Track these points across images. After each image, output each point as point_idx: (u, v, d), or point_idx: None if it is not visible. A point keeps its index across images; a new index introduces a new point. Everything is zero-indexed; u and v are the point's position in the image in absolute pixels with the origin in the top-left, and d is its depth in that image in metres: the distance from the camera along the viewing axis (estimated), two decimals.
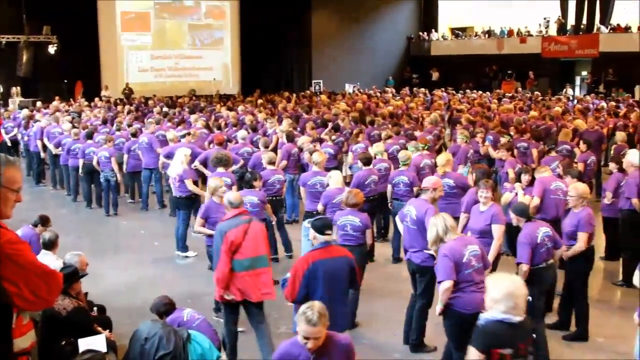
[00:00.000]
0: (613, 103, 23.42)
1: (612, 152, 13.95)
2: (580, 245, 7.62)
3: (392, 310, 8.78)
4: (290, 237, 11.04)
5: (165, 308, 6.77)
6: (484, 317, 4.65)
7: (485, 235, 7.63)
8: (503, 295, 4.56)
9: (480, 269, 6.20)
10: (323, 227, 6.14)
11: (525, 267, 6.92)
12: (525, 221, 7.16)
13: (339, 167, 13.41)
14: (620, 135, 14.18)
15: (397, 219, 8.41)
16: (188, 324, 6.76)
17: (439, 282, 6.16)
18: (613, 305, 9.09)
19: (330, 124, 16.52)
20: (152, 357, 6.27)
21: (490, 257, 7.50)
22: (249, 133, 15.30)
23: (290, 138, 13.33)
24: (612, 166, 10.72)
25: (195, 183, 11.31)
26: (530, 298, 6.99)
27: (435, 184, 7.69)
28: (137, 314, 8.50)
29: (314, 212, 9.66)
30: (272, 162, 10.74)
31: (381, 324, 8.56)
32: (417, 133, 15.15)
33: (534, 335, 6.88)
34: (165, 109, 21.62)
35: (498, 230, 7.65)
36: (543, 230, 7.10)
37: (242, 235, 6.92)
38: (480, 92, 29.36)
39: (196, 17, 34.23)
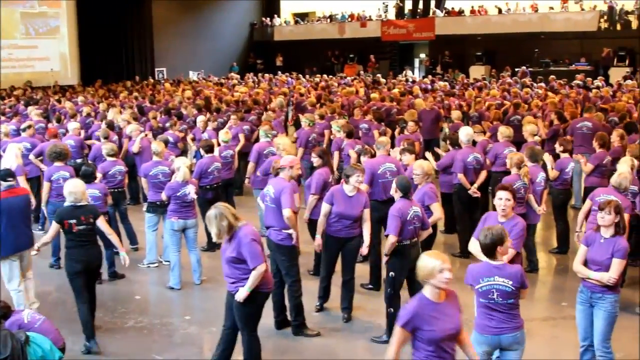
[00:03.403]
0: (446, 83, 24.43)
1: (447, 130, 14.57)
2: (437, 215, 7.92)
3: None
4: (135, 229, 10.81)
5: (1, 312, 6.41)
6: (62, 207, 7.51)
7: (359, 219, 7.82)
8: (67, 193, 7.37)
9: None
10: (6, 176, 7.79)
11: (392, 239, 7.10)
12: (401, 196, 7.30)
13: (182, 156, 13.19)
14: (455, 114, 14.77)
15: (258, 199, 8.48)
16: (30, 325, 6.47)
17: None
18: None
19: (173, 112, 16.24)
20: None
21: (367, 240, 7.83)
22: (100, 121, 14.84)
23: (112, 128, 13.13)
24: (447, 143, 11.18)
25: (35, 179, 10.83)
26: (392, 273, 7.21)
27: (292, 162, 7.74)
28: None
29: (157, 203, 9.52)
30: (112, 154, 10.43)
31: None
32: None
33: (390, 310, 7.23)
34: None
35: (368, 214, 7.92)
36: (414, 209, 7.29)
37: None
38: (324, 75, 29.83)
39: (29, 5, 32.53)
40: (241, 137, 13.59)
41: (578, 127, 12.87)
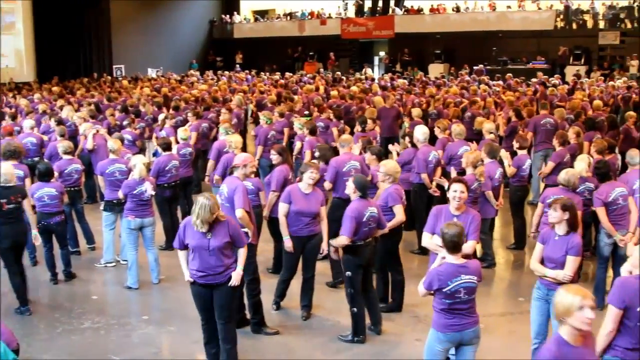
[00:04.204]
0: (404, 81, 24.56)
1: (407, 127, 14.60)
2: (399, 217, 7.86)
3: None
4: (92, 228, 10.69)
5: None
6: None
7: (318, 216, 7.82)
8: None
9: None
10: None
11: (345, 240, 7.08)
12: (359, 196, 7.25)
13: (141, 154, 13.05)
14: (415, 111, 14.79)
15: (217, 196, 8.45)
16: None
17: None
18: (412, 273, 9.45)
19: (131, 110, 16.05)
20: None
21: (324, 237, 7.85)
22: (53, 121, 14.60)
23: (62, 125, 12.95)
24: (407, 140, 11.18)
25: None
26: (349, 273, 7.18)
27: (245, 160, 7.68)
28: None
29: (114, 201, 9.41)
30: (68, 152, 10.27)
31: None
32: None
33: (354, 310, 7.24)
34: None
35: (325, 211, 7.98)
36: (371, 210, 7.24)
37: None
38: (281, 73, 29.81)
39: None
40: (193, 135, 13.29)
41: (542, 123, 13.02)
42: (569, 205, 6.17)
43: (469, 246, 6.26)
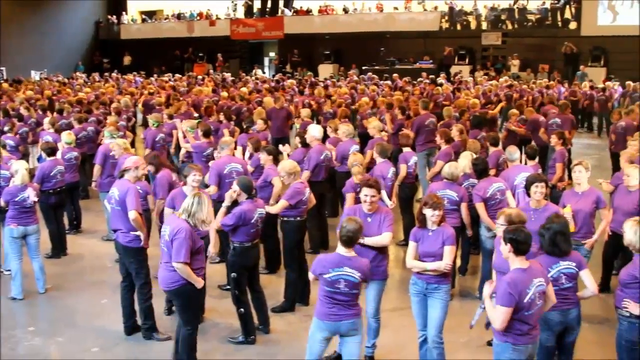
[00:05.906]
0: (293, 81, 24.74)
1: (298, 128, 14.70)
2: (277, 208, 8.03)
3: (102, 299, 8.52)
4: None
5: None
6: None
7: None
8: None
9: None
10: None
11: (217, 226, 7.31)
12: (246, 197, 7.23)
13: (24, 159, 12.60)
14: (305, 112, 14.92)
15: (105, 202, 8.29)
16: None
17: None
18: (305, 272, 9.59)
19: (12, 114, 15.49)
20: None
21: (212, 239, 7.74)
22: None
23: None
24: (297, 140, 11.20)
25: None
26: (235, 274, 7.18)
27: (136, 162, 7.60)
28: None
29: None
30: None
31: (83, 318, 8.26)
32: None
33: (241, 311, 7.25)
34: None
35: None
36: (259, 211, 7.30)
37: None
38: (170, 74, 29.46)
39: None
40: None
41: (425, 124, 13.28)
42: (441, 204, 6.40)
43: (385, 237, 6.56)
